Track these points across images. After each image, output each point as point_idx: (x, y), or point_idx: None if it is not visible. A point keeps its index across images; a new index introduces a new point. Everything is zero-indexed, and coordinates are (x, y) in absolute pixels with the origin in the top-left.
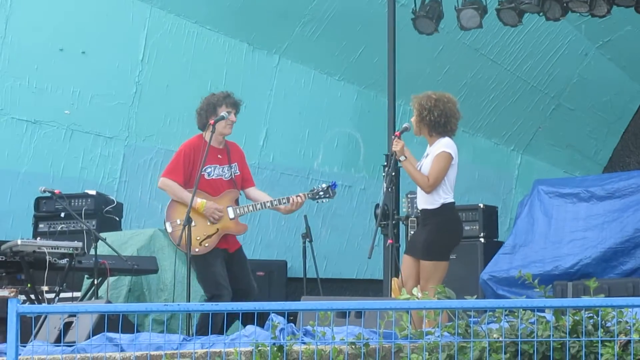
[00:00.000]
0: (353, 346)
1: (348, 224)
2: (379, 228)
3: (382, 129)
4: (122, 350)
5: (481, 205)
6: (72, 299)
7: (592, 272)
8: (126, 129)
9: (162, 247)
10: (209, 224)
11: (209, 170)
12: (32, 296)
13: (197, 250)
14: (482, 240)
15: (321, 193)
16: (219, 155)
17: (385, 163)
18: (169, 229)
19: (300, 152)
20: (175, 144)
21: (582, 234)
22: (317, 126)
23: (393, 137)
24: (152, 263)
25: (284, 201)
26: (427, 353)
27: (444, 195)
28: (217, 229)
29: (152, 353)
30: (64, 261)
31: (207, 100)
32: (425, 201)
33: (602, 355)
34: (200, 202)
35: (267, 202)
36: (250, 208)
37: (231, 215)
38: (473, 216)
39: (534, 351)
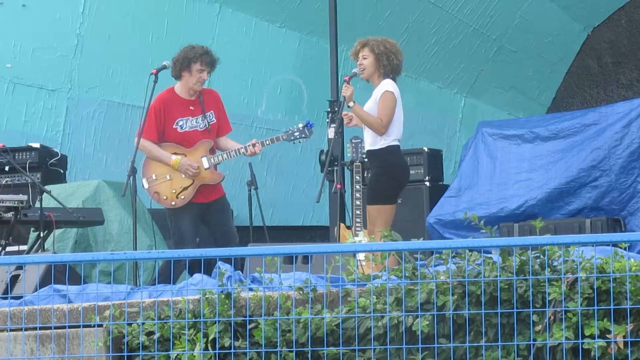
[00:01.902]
0: (301, 292)
1: (293, 170)
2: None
3: (324, 75)
4: (69, 301)
5: (425, 149)
6: (19, 253)
7: (538, 213)
8: (69, 81)
9: (107, 198)
10: (184, 176)
11: (180, 123)
12: None
13: (173, 203)
14: (427, 183)
15: (297, 133)
16: (190, 107)
17: (329, 109)
18: (146, 185)
19: (244, 100)
20: (119, 95)
21: (527, 175)
22: (259, 74)
23: (343, 82)
24: (98, 214)
25: (267, 142)
26: (374, 297)
27: (386, 136)
28: (193, 180)
29: (100, 304)
30: (10, 215)
31: (184, 52)
32: (369, 143)
33: (549, 294)
34: (174, 158)
35: (242, 148)
36: (225, 156)
37: (206, 165)
38: (418, 160)
39: (481, 292)
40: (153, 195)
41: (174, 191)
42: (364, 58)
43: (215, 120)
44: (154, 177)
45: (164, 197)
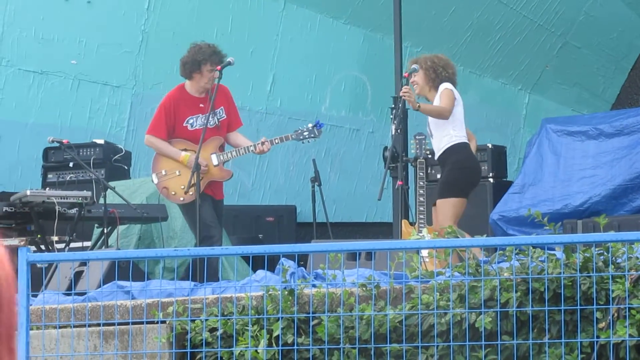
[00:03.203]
0: (364, 288)
1: (357, 167)
2: (388, 170)
3: (389, 72)
4: (133, 297)
5: (489, 146)
6: (83, 249)
7: (601, 209)
8: (133, 77)
9: None
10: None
11: (191, 121)
12: (42, 247)
13: (182, 199)
14: (491, 180)
15: (306, 133)
16: (200, 105)
17: (393, 105)
18: (155, 180)
19: (308, 97)
20: None
21: (591, 172)
22: (323, 70)
23: (402, 78)
24: (161, 211)
25: (276, 141)
26: (438, 293)
27: (456, 134)
28: (202, 177)
29: (163, 300)
30: (74, 211)
31: (192, 54)
32: (438, 147)
33: (613, 291)
34: (183, 155)
35: (251, 146)
36: (234, 154)
37: (215, 162)
38: (482, 156)
39: (544, 289)
40: (162, 190)
41: (182, 187)
42: (415, 75)
43: (225, 116)
44: (163, 173)
45: (173, 193)
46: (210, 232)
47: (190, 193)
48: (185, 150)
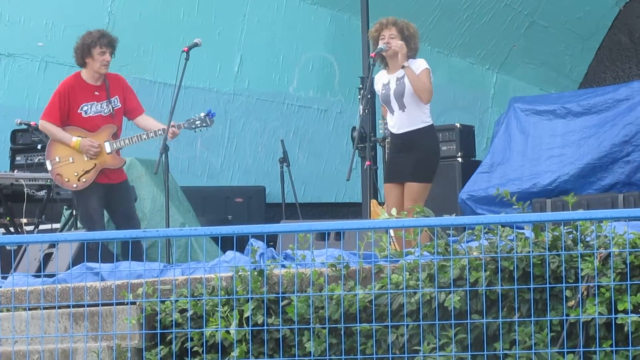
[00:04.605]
0: (333, 268)
1: (325, 148)
2: (357, 151)
3: (356, 52)
4: (102, 279)
5: (458, 125)
6: (52, 231)
7: (570, 188)
8: None
9: (139, 175)
10: (86, 159)
11: (85, 108)
12: (12, 229)
13: (75, 185)
14: (459, 159)
15: (198, 122)
16: (95, 92)
17: (361, 86)
18: (49, 167)
19: (275, 78)
20: (150, 73)
21: (559, 151)
22: (291, 51)
23: (369, 58)
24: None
25: (159, 132)
26: (407, 273)
27: (429, 115)
28: (95, 164)
29: (132, 281)
30: (42, 193)
31: (82, 40)
32: (409, 123)
33: (582, 269)
34: (75, 140)
35: (144, 134)
36: (127, 141)
37: (108, 149)
38: (450, 136)
39: (514, 268)
40: (55, 177)
41: (76, 174)
42: (392, 37)
43: (120, 105)
44: (57, 160)
45: (66, 180)
46: (94, 228)
47: (84, 180)
48: (79, 137)
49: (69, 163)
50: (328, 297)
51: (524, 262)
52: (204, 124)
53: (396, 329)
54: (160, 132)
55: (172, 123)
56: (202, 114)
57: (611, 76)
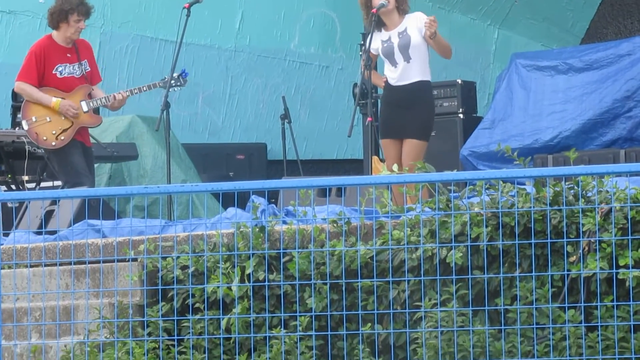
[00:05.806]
0: (334, 224)
1: (326, 104)
2: (358, 107)
3: (357, 8)
4: (104, 236)
5: (459, 81)
6: (53, 188)
7: (572, 144)
8: (101, 16)
9: (141, 133)
10: (63, 118)
11: (60, 69)
12: (13, 186)
13: (53, 144)
14: (461, 115)
15: (172, 82)
16: (68, 54)
17: (362, 42)
18: (25, 127)
19: (277, 34)
20: (151, 30)
21: (561, 107)
22: (292, 7)
23: (370, 14)
24: (132, 149)
25: (135, 91)
26: (408, 229)
27: (428, 70)
28: (72, 122)
29: (134, 238)
30: (43, 150)
31: (60, 4)
32: (416, 73)
33: (583, 224)
34: (55, 100)
35: (121, 91)
36: (103, 100)
37: (85, 108)
38: (451, 92)
39: (515, 223)
40: (33, 136)
41: (54, 132)
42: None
43: (89, 69)
44: (33, 119)
45: (44, 138)
46: (80, 179)
47: (62, 138)
48: (56, 97)
49: (46, 122)
50: (329, 253)
51: (525, 218)
52: (178, 84)
53: (397, 285)
54: (135, 91)
55: (140, 87)
56: (176, 74)
57: (613, 32)
